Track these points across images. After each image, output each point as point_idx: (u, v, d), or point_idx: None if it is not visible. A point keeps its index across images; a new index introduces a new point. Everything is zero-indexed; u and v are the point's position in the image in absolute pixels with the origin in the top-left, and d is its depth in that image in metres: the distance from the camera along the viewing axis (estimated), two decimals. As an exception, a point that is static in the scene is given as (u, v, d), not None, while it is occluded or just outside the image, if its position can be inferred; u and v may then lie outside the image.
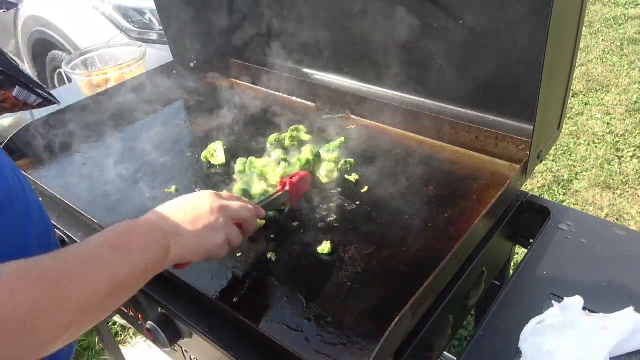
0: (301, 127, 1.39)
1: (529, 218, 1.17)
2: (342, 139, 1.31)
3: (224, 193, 0.94)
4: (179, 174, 1.29)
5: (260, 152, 1.32)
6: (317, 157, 1.23)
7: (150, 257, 0.72)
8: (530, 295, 0.95)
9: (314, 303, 0.88)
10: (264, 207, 0.98)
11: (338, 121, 1.45)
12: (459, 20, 1.15)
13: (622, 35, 4.58)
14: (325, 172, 1.21)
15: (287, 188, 1.07)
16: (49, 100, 1.38)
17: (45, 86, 1.27)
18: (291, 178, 1.09)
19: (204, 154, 1.32)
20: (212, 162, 1.30)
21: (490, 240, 1.04)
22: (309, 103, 1.55)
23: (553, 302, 0.92)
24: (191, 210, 0.83)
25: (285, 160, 1.23)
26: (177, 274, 0.95)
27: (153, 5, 1.70)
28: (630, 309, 0.86)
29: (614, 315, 0.86)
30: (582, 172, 3.04)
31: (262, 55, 1.65)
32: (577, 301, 0.89)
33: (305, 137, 1.37)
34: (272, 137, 1.34)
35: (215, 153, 1.31)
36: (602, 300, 0.91)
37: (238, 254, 1.01)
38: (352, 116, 1.46)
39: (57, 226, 1.16)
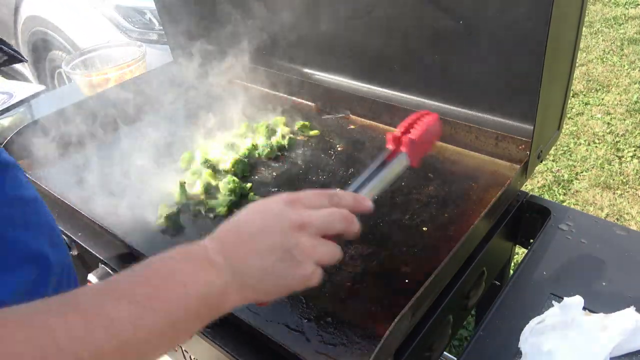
0: (280, 118, 1.44)
1: (529, 218, 1.17)
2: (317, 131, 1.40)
3: (302, 194, 0.64)
4: (177, 173, 1.29)
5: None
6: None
7: (191, 308, 0.52)
8: (530, 295, 0.95)
9: (314, 303, 0.88)
10: (372, 191, 0.66)
11: (338, 121, 1.45)
12: (459, 20, 1.15)
13: (622, 35, 4.57)
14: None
15: (403, 149, 0.67)
16: (14, 58, 1.22)
17: (9, 43, 1.12)
18: (408, 130, 0.68)
19: (202, 153, 1.32)
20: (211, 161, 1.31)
21: (490, 240, 1.04)
22: (309, 103, 1.55)
23: (553, 302, 0.91)
24: (257, 234, 0.58)
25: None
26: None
27: (153, 5, 1.70)
28: (631, 309, 0.86)
29: (614, 315, 0.86)
30: (582, 172, 3.04)
31: (262, 55, 1.65)
32: (577, 301, 0.89)
33: (284, 129, 1.39)
34: (243, 126, 1.42)
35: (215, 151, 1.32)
36: (602, 300, 0.91)
37: (238, 254, 1.01)
38: (352, 116, 1.46)
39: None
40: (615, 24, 4.80)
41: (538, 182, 3.00)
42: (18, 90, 1.87)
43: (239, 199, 1.17)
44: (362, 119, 1.44)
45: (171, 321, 0.50)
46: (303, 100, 1.56)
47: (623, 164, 3.07)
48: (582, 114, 3.57)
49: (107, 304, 0.47)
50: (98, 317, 0.46)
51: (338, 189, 0.65)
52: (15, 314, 0.44)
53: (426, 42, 1.24)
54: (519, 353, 0.85)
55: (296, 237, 0.59)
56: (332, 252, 0.62)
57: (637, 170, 3.00)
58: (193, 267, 0.53)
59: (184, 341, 0.56)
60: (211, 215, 1.13)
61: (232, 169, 1.25)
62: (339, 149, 1.33)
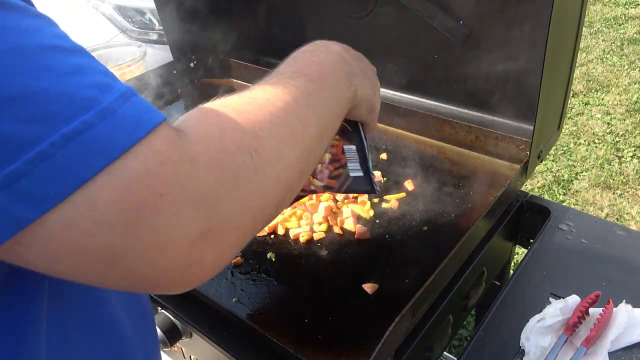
0: None
1: (529, 218, 1.17)
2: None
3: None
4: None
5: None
6: None
7: (343, 95, 0.63)
8: (530, 295, 0.95)
9: (314, 303, 0.88)
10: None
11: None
12: (459, 20, 1.15)
13: (622, 35, 4.57)
14: None
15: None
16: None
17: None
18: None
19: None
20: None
21: (490, 240, 1.04)
22: (309, 103, 1.54)
23: (553, 301, 0.92)
24: (357, 60, 0.74)
25: None
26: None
27: (153, 5, 1.70)
28: (623, 302, 0.87)
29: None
30: (582, 172, 3.04)
31: (263, 55, 1.65)
32: (576, 300, 0.89)
33: None
34: None
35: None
36: (601, 300, 0.91)
37: (238, 254, 1.01)
38: (352, 116, 1.45)
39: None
40: (615, 24, 4.80)
41: (538, 182, 3.00)
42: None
43: None
44: (362, 119, 1.43)
45: (333, 105, 0.61)
46: (303, 100, 1.56)
47: (623, 164, 3.07)
48: (582, 114, 3.57)
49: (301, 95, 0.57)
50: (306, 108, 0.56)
51: None
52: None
53: (426, 42, 1.24)
54: (519, 353, 0.85)
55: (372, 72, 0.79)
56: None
57: (637, 170, 3.00)
58: (338, 64, 0.65)
59: (336, 128, 0.64)
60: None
61: None
62: (339, 149, 1.33)
